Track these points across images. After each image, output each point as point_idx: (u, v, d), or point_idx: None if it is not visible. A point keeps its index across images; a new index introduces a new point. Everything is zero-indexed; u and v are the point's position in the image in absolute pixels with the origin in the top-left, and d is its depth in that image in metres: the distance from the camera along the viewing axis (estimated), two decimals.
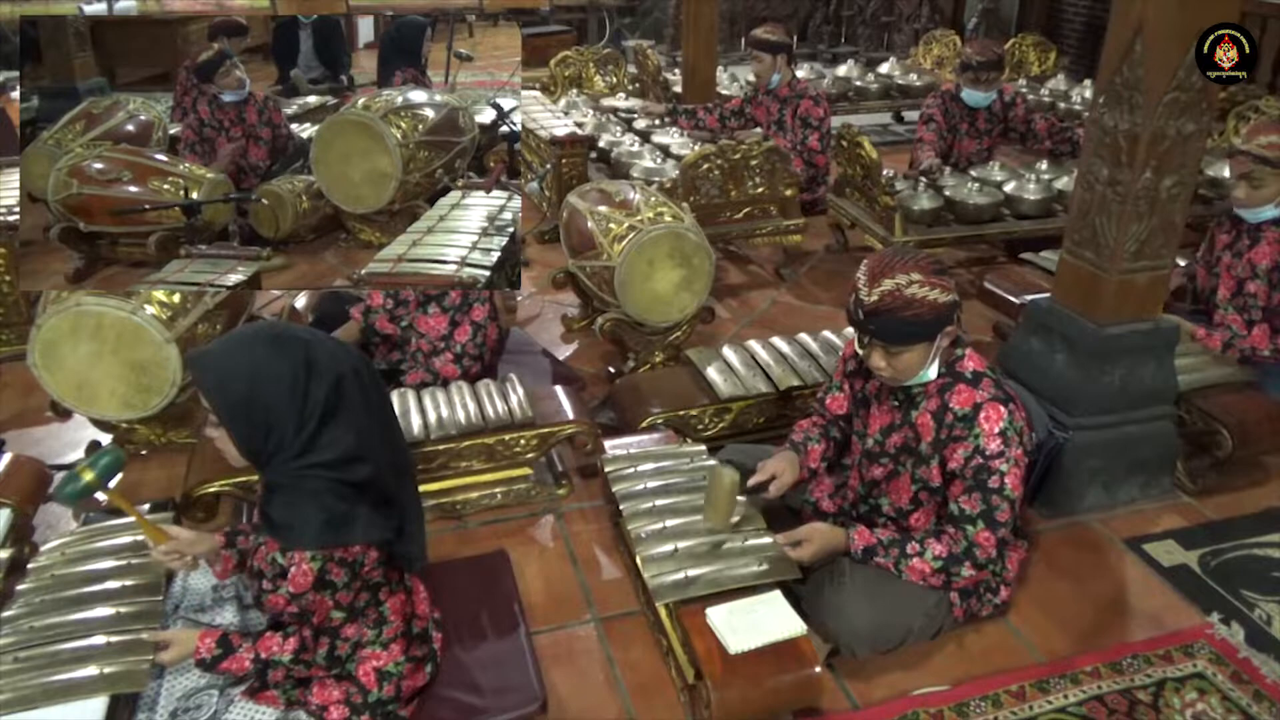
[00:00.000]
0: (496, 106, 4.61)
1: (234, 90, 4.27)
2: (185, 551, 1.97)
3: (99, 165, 3.63)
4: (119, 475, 1.94)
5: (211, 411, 1.72)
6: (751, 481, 2.33)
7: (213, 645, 1.79)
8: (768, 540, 2.21)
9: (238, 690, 1.87)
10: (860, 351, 2.17)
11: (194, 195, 3.61)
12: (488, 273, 3.07)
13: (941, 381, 2.15)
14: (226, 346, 1.73)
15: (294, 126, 4.75)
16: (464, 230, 3.39)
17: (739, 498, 2.26)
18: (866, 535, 2.18)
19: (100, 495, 1.93)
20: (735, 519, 2.25)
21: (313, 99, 5.51)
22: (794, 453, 2.40)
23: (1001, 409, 2.08)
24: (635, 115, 5.57)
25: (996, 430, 2.07)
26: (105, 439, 3.07)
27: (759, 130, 4.91)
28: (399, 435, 1.99)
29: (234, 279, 3.26)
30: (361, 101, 3.92)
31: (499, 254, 3.19)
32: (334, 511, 1.70)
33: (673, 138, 4.99)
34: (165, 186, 3.64)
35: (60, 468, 3.00)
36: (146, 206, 3.59)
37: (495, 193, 3.82)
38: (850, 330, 2.22)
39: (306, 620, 1.78)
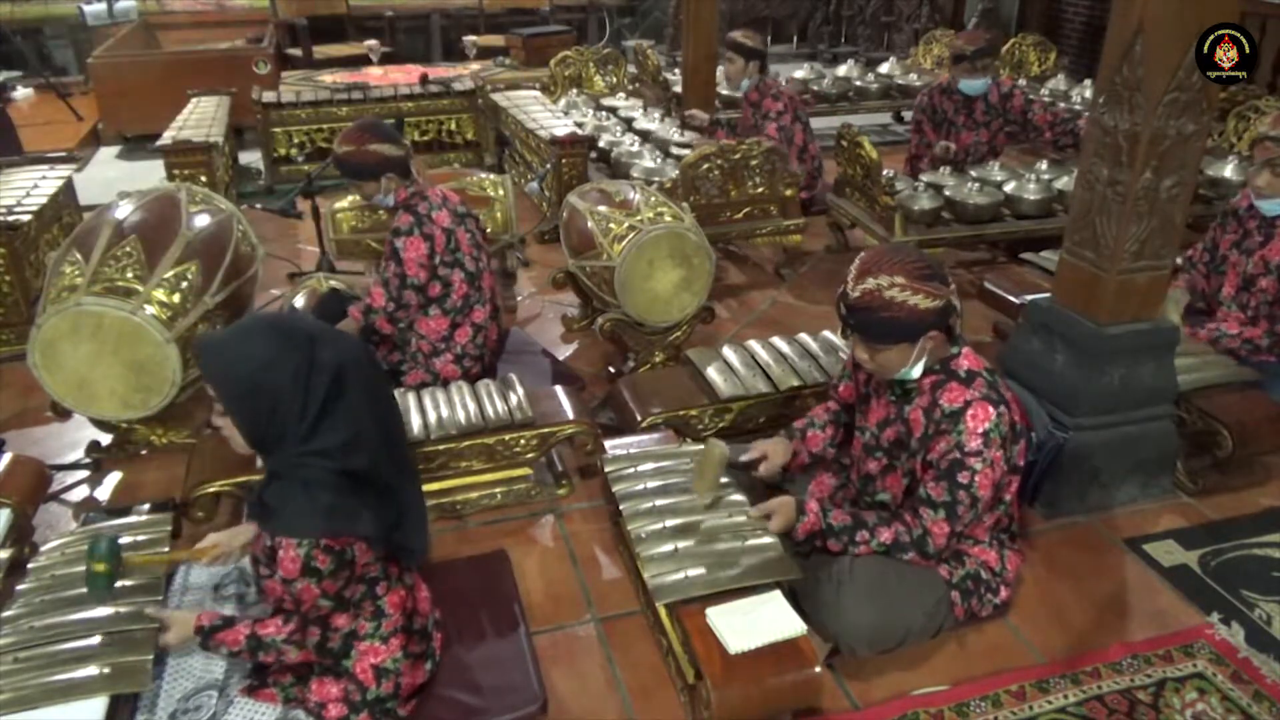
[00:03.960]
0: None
1: None
2: (229, 550, 2.06)
3: None
4: (120, 552, 2.00)
5: (217, 398, 1.76)
6: (742, 458, 2.44)
7: (215, 617, 1.86)
8: (768, 540, 2.22)
9: (236, 690, 1.87)
10: (844, 341, 2.19)
11: None
12: None
13: (935, 378, 2.16)
14: (233, 334, 1.78)
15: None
16: None
17: (723, 477, 2.39)
18: (813, 521, 2.20)
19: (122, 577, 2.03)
20: (720, 491, 2.36)
21: None
22: (788, 438, 2.50)
23: (990, 409, 2.08)
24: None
25: (981, 429, 2.07)
26: (105, 439, 3.07)
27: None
28: (400, 428, 2.02)
29: None
30: None
31: None
32: (322, 501, 1.72)
33: (672, 138, 4.99)
34: None
35: (60, 467, 3.01)
36: None
37: None
38: None
39: (299, 609, 1.79)
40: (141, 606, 1.99)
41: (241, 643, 1.81)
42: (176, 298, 2.85)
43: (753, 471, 2.44)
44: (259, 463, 1.88)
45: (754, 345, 3.19)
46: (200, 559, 2.06)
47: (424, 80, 6.07)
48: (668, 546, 2.19)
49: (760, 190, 4.35)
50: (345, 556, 1.75)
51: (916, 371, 2.15)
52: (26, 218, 3.79)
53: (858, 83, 6.57)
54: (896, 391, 2.23)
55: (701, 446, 2.63)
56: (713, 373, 3.00)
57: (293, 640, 1.80)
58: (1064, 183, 4.32)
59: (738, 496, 2.36)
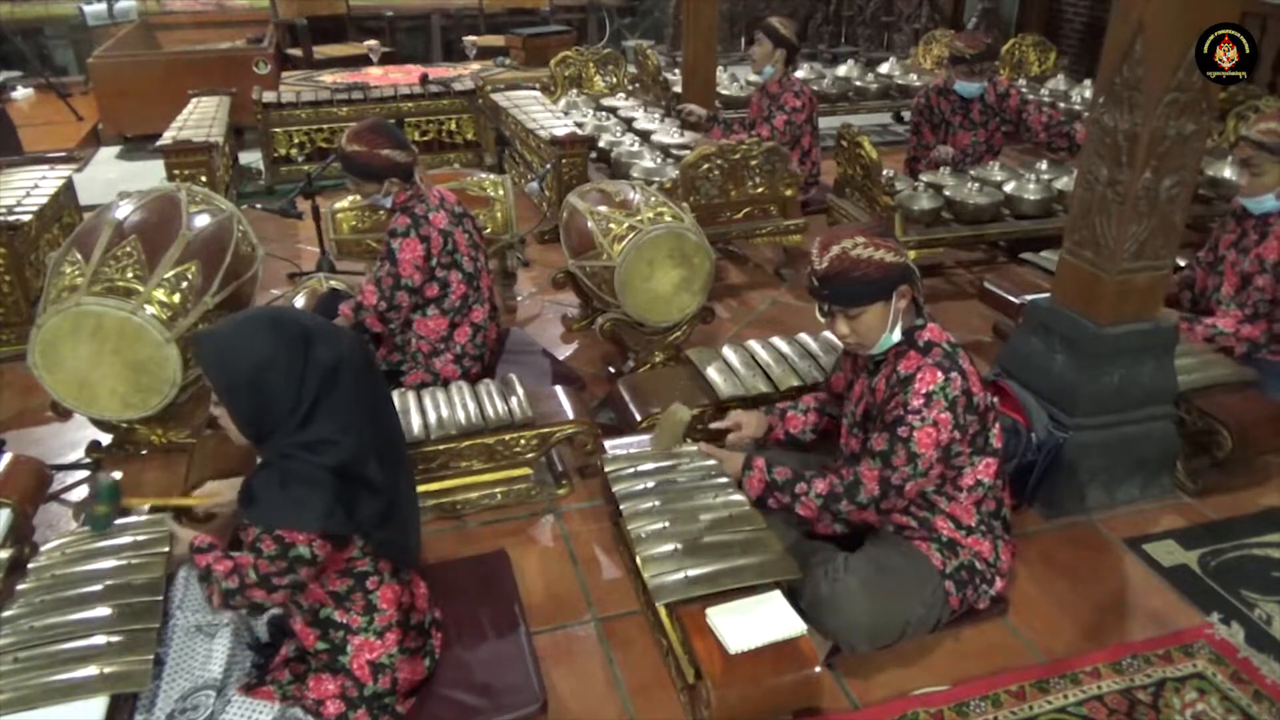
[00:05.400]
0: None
1: None
2: (225, 499, 2.19)
3: None
4: (118, 493, 2.19)
5: (214, 390, 1.80)
6: (714, 424, 2.66)
7: (204, 540, 1.99)
8: (768, 540, 2.22)
9: (234, 689, 1.88)
10: (824, 321, 2.28)
11: None
12: None
13: (899, 348, 2.23)
14: (229, 327, 1.81)
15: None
16: None
17: (685, 440, 2.58)
18: (757, 482, 2.30)
19: (122, 516, 2.23)
20: (676, 448, 2.55)
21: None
22: (766, 415, 2.65)
23: (939, 374, 2.14)
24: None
25: (925, 390, 2.13)
26: (105, 439, 3.07)
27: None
28: (394, 423, 2.04)
29: None
30: None
31: None
32: (294, 495, 1.74)
33: (672, 138, 4.99)
34: None
35: (60, 468, 3.01)
36: None
37: None
38: None
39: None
40: (142, 606, 1.99)
41: (200, 568, 1.91)
42: (176, 298, 2.84)
43: (720, 440, 2.58)
44: (258, 461, 1.89)
45: (754, 345, 3.19)
46: (196, 505, 2.20)
47: (424, 80, 6.06)
48: (668, 546, 2.19)
49: (760, 190, 4.35)
50: (292, 551, 1.74)
51: (896, 335, 2.20)
52: (27, 218, 3.79)
53: (858, 83, 6.58)
54: (869, 367, 2.31)
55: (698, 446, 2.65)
56: (713, 373, 3.00)
57: (225, 587, 1.84)
58: (1064, 183, 4.32)
59: (736, 496, 2.36)
